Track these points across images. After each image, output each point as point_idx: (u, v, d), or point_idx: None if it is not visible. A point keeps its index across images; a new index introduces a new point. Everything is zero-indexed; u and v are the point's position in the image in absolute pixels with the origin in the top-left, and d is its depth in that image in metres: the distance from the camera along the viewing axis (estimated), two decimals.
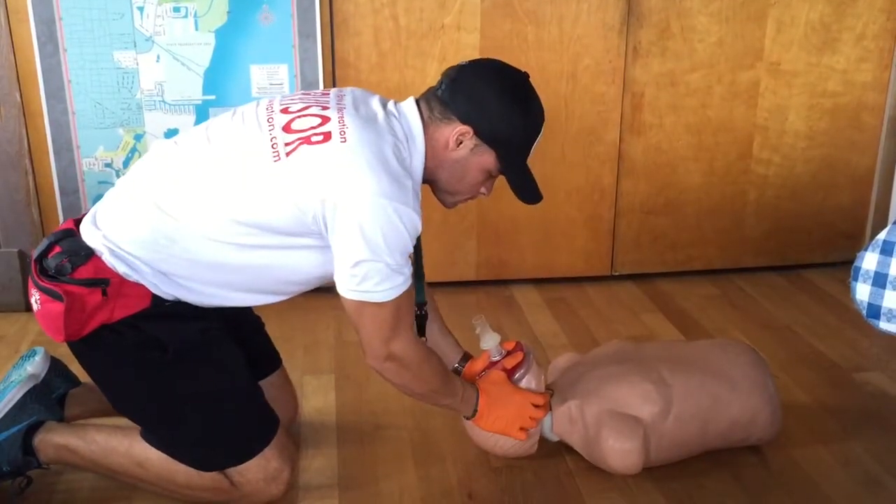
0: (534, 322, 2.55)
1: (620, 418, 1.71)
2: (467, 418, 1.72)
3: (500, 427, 1.71)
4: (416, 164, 1.57)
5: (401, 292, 1.51)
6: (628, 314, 2.62)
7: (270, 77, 2.48)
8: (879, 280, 1.70)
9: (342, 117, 1.53)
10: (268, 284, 1.61)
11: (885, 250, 1.70)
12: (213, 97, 2.47)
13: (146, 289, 1.56)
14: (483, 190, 1.67)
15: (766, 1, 2.63)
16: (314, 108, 1.57)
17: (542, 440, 1.81)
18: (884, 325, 1.73)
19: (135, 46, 2.41)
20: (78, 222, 1.63)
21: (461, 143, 1.58)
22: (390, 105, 1.61)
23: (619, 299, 2.73)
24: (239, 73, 2.46)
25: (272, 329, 1.92)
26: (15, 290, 2.54)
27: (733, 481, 1.77)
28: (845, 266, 2.00)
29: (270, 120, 1.56)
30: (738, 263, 2.93)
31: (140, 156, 2.47)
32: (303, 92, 1.69)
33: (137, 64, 2.42)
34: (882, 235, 1.72)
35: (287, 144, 1.51)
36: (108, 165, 2.50)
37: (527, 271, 2.82)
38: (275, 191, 1.49)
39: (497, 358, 1.78)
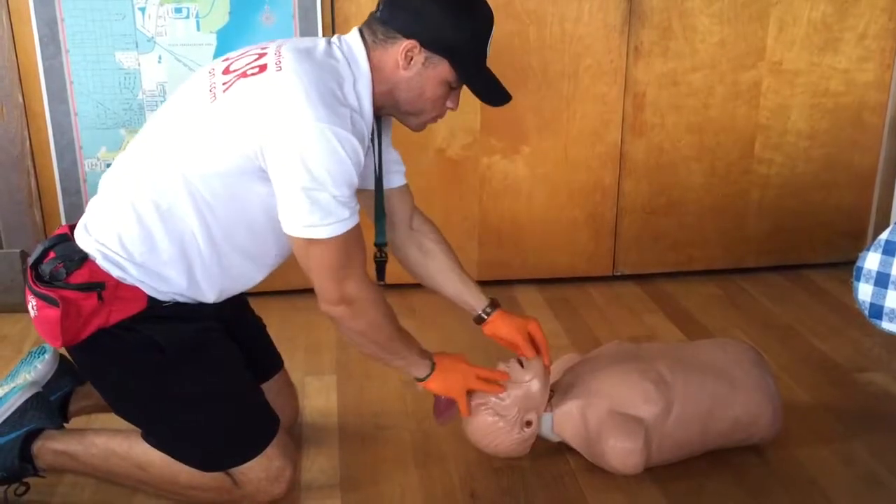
0: None
1: (621, 418, 1.71)
2: (419, 381, 1.70)
3: (447, 387, 1.70)
4: (362, 88, 1.53)
5: (348, 228, 1.47)
6: (630, 314, 2.62)
7: None
8: (882, 280, 1.70)
9: (279, 50, 1.51)
10: (244, 244, 1.58)
11: (888, 250, 1.70)
12: None
13: (142, 291, 1.55)
14: (449, 104, 1.62)
15: (768, 1, 2.63)
16: (254, 50, 1.56)
17: (544, 440, 1.81)
18: (886, 325, 1.73)
19: (136, 47, 2.41)
20: (73, 227, 1.63)
21: (411, 59, 1.53)
22: (334, 38, 1.59)
23: (620, 299, 2.73)
24: None
25: (273, 330, 1.92)
26: (17, 290, 2.54)
27: (734, 481, 1.77)
28: (847, 266, 1.99)
29: (212, 71, 1.56)
30: (739, 263, 2.92)
31: None
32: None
33: (139, 65, 2.42)
34: (884, 235, 1.72)
35: (224, 84, 1.50)
36: (111, 166, 2.49)
37: (528, 271, 2.82)
38: (215, 131, 1.48)
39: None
